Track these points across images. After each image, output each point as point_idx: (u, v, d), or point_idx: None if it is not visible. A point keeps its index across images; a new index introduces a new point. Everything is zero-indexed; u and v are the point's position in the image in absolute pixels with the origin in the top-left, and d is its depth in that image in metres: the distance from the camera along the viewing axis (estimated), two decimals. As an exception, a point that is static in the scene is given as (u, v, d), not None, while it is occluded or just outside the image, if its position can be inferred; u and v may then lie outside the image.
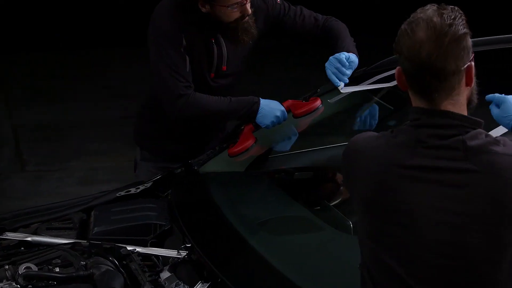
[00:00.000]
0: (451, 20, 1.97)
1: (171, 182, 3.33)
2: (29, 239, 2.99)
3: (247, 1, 3.15)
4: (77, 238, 3.00)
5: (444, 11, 1.99)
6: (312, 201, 3.30)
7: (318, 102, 3.28)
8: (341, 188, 3.40)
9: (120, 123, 7.33)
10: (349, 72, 3.20)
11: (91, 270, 2.67)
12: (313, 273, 2.62)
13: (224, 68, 3.36)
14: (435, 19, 1.97)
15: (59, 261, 2.76)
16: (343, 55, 3.21)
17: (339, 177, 3.39)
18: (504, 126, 2.37)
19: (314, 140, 3.65)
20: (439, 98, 1.99)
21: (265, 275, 2.61)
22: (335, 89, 3.25)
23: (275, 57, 8.54)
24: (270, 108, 3.23)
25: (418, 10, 2.03)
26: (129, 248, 2.85)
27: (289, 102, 3.31)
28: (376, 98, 3.27)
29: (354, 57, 3.25)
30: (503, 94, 2.33)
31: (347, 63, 3.20)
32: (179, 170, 3.38)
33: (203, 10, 3.19)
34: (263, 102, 3.25)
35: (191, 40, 3.23)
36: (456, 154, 1.95)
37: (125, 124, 7.24)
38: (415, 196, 1.97)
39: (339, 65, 3.18)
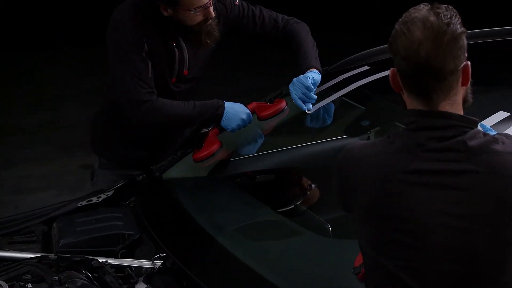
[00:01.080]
0: (448, 19, 1.95)
1: (133, 190, 3.25)
2: (-9, 254, 2.88)
3: (210, 4, 3.09)
4: (42, 252, 2.90)
5: (440, 10, 1.97)
6: (279, 203, 3.27)
7: (283, 104, 3.25)
8: (308, 191, 3.38)
9: (49, 128, 7.17)
10: (314, 96, 3.19)
11: (66, 285, 2.57)
12: (293, 276, 2.60)
13: (186, 72, 3.29)
14: (431, 18, 1.95)
15: (30, 276, 2.65)
16: (309, 80, 3.17)
17: (305, 179, 3.37)
18: None
19: (277, 141, 3.60)
20: (437, 99, 1.97)
21: (247, 280, 2.57)
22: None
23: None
24: (235, 111, 3.19)
25: (411, 10, 2.01)
26: (101, 260, 2.76)
27: (254, 104, 3.27)
28: (345, 99, 3.25)
29: (318, 76, 3.23)
30: None
31: (313, 88, 3.18)
32: (141, 177, 3.30)
33: (165, 13, 3.12)
34: (228, 105, 3.20)
35: (152, 44, 3.16)
36: (457, 156, 1.94)
37: (55, 129, 7.13)
38: (419, 202, 1.94)
39: (306, 91, 3.16)
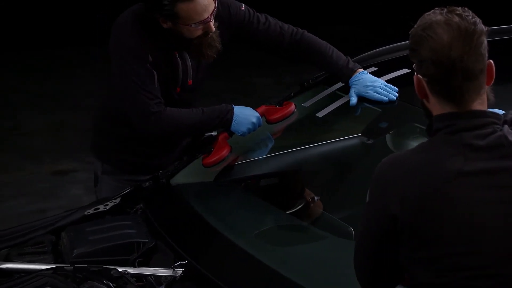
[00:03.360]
0: (473, 19, 1.97)
1: (140, 197, 3.19)
2: (2, 266, 2.79)
3: (210, 19, 3.03)
4: (54, 262, 2.82)
5: (459, 12, 1.98)
6: (284, 207, 3.26)
7: (293, 107, 3.24)
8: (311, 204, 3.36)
9: (10, 134, 7.02)
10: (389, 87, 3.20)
11: (90, 297, 2.51)
12: (318, 278, 2.57)
13: (190, 82, 3.25)
14: (455, 19, 1.95)
15: (50, 289, 2.59)
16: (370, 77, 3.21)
17: (307, 191, 3.35)
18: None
19: (287, 143, 3.58)
20: (469, 99, 1.97)
21: (274, 284, 2.55)
22: (307, 91, 3.21)
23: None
24: (245, 115, 3.16)
25: (427, 16, 2.01)
26: (120, 269, 2.70)
27: (263, 107, 3.24)
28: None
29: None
30: None
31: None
32: (147, 183, 3.24)
33: (165, 26, 3.06)
34: (237, 109, 3.17)
35: (155, 55, 3.11)
36: (503, 152, 1.94)
37: (17, 135, 6.98)
38: (477, 204, 1.92)
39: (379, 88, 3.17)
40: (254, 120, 3.16)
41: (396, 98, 3.14)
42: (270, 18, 3.34)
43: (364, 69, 3.27)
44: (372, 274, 2.13)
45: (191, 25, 3.01)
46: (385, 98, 3.13)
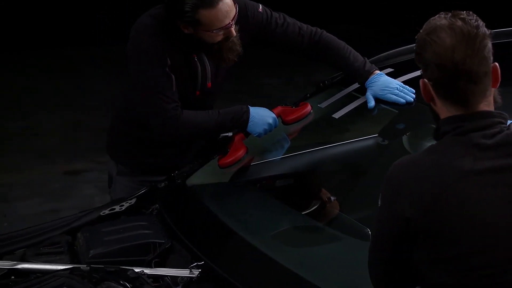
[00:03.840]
0: (476, 22, 1.99)
1: (156, 197, 3.18)
2: (19, 266, 2.79)
3: (232, 25, 3.02)
4: (71, 263, 2.82)
5: (463, 16, 2.00)
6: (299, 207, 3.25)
7: (309, 108, 3.22)
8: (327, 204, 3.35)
9: (23, 136, 7.04)
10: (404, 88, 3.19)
11: (109, 298, 2.51)
12: (336, 279, 2.57)
13: (209, 85, 3.24)
14: (458, 23, 1.98)
15: (67, 289, 2.58)
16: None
17: (324, 191, 3.34)
18: None
19: (303, 144, 3.58)
20: (475, 102, 1.99)
21: (293, 285, 2.54)
22: (322, 92, 3.21)
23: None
24: (261, 116, 3.15)
25: (432, 20, 2.03)
26: (136, 270, 2.70)
27: (279, 108, 3.23)
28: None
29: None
30: None
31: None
32: (163, 184, 3.23)
33: (186, 31, 3.05)
34: (253, 110, 3.16)
35: (174, 58, 3.10)
36: (510, 150, 1.96)
37: (30, 136, 7.00)
38: (488, 202, 1.93)
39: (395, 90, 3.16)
40: (270, 120, 3.15)
41: (414, 99, 3.13)
42: (288, 18, 3.32)
43: (380, 71, 3.27)
44: (386, 276, 2.14)
45: (212, 31, 3.00)
46: (402, 100, 3.12)
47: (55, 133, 7.10)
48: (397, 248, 2.05)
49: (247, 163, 3.28)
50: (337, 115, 3.19)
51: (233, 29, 3.04)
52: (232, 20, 3.00)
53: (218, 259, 2.71)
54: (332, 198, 3.31)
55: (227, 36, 3.05)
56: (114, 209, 3.14)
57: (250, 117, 3.14)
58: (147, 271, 2.71)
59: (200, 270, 2.68)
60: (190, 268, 2.69)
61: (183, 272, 2.70)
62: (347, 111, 3.20)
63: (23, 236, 3.01)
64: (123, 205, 3.16)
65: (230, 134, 3.27)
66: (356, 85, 3.30)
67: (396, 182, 2.02)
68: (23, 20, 9.60)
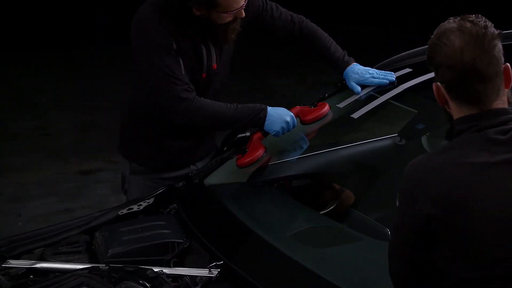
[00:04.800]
0: (484, 23, 2.02)
1: (174, 197, 3.18)
2: (38, 265, 2.79)
3: (244, 6, 3.07)
4: (89, 262, 2.82)
5: (472, 18, 2.03)
6: (316, 207, 3.24)
7: (327, 108, 3.22)
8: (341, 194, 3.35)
9: (36, 135, 7.05)
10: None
11: (128, 297, 2.51)
12: (355, 279, 2.57)
13: (215, 66, 3.25)
14: (467, 25, 2.01)
15: (88, 289, 2.58)
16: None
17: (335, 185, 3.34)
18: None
19: (321, 143, 3.58)
20: (487, 101, 2.02)
21: (309, 284, 2.54)
22: (341, 92, 3.20)
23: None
24: (279, 115, 3.14)
25: (442, 25, 2.07)
26: (155, 269, 2.69)
27: (297, 108, 3.22)
28: (394, 102, 3.23)
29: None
30: None
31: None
32: (180, 184, 3.23)
33: (198, 13, 3.07)
34: (271, 109, 3.15)
35: (179, 42, 3.12)
36: None
37: (42, 136, 7.01)
38: (507, 196, 1.94)
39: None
40: (288, 119, 3.14)
41: (394, 78, 3.29)
42: (280, 7, 3.43)
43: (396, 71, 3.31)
44: (407, 274, 2.13)
45: (228, 13, 3.03)
46: (385, 81, 3.31)
47: (69, 132, 7.11)
48: (417, 246, 2.05)
49: (265, 163, 3.28)
50: (356, 115, 3.19)
51: (243, 11, 3.08)
52: (245, 1, 3.04)
53: (237, 259, 2.71)
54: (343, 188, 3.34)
55: (235, 17, 3.09)
56: (132, 208, 3.14)
57: (268, 115, 3.13)
58: (166, 270, 2.71)
59: (219, 269, 2.68)
60: (209, 268, 2.69)
61: (202, 272, 2.69)
62: (365, 111, 3.19)
63: (41, 236, 3.01)
64: (141, 205, 3.16)
65: (247, 134, 3.27)
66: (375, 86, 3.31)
67: (414, 181, 2.03)
68: (23, 20, 9.62)
